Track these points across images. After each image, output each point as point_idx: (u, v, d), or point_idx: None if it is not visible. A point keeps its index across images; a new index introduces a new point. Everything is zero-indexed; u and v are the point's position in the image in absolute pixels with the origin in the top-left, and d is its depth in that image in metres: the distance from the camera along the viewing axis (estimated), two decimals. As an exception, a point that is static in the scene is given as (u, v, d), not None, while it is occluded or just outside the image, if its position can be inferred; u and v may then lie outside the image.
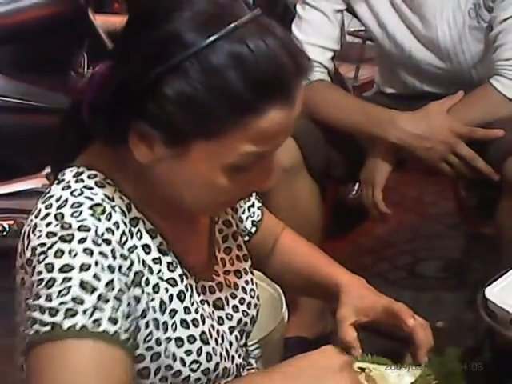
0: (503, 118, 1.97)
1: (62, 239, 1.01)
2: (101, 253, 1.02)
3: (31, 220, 1.07)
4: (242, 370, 1.31)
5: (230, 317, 1.27)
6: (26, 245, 1.06)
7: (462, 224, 3.04)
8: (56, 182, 1.12)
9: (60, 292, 0.99)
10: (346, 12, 2.29)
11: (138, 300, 1.08)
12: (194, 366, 1.15)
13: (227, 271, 1.29)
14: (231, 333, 1.27)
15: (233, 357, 1.26)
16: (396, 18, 2.17)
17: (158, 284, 1.12)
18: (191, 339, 1.15)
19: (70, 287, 0.99)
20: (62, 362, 0.98)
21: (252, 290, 1.33)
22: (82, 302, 0.99)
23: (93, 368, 0.98)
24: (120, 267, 1.04)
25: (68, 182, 1.10)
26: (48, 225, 1.03)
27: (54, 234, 1.02)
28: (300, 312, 2.27)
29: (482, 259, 2.63)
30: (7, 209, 2.60)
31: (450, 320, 2.04)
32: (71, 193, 1.07)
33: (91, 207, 1.05)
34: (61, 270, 0.99)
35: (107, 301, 1.00)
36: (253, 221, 1.43)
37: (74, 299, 0.98)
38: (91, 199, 1.07)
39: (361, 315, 1.32)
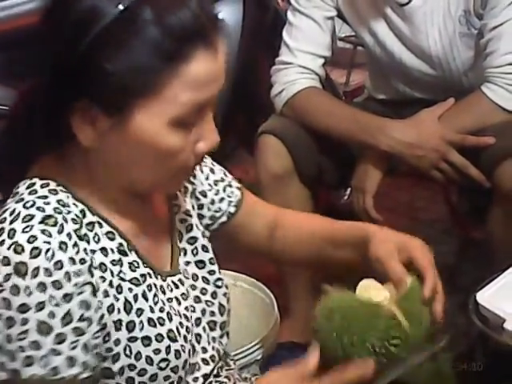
0: (494, 125, 1.98)
1: (17, 272, 1.03)
2: (54, 283, 1.04)
3: None
4: (220, 370, 1.31)
5: (192, 308, 1.27)
6: None
7: (453, 229, 3.04)
8: (11, 196, 1.13)
9: (19, 335, 1.03)
10: (337, 18, 2.30)
11: (98, 307, 1.10)
12: (163, 365, 1.16)
13: (187, 262, 1.30)
14: (198, 325, 1.27)
15: (204, 348, 1.27)
16: (386, 26, 2.17)
17: (120, 285, 1.14)
18: (159, 338, 1.16)
19: (27, 330, 1.03)
20: None
21: (218, 279, 1.32)
22: (39, 347, 1.03)
23: None
24: (76, 289, 1.06)
25: (22, 194, 1.11)
26: (1, 243, 1.05)
27: (8, 262, 1.03)
28: (292, 317, 2.27)
29: (474, 264, 2.64)
30: None
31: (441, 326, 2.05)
32: (24, 205, 1.08)
33: (42, 220, 1.07)
34: (18, 310, 1.03)
35: (64, 339, 1.05)
36: (230, 201, 1.42)
37: (32, 344, 1.03)
38: (43, 210, 1.08)
39: (403, 251, 1.28)
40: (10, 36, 2.73)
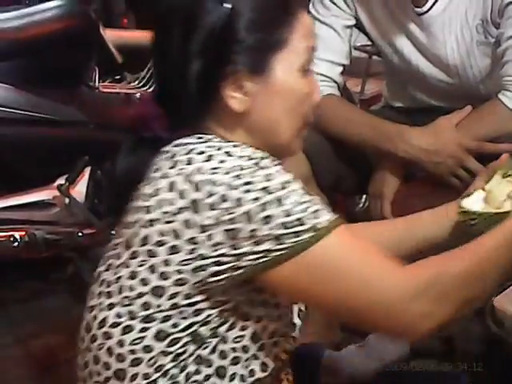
0: (511, 132, 2.00)
1: (259, 166, 1.15)
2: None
3: (181, 169, 1.16)
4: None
5: None
6: (189, 188, 1.14)
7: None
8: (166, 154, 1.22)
9: (294, 203, 1.15)
10: (354, 28, 2.32)
11: None
12: None
13: None
14: None
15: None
16: (404, 35, 2.19)
17: None
18: None
19: (300, 195, 1.16)
20: (344, 248, 1.19)
21: None
22: (314, 203, 1.17)
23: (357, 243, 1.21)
24: None
25: (190, 140, 1.21)
26: (222, 162, 1.14)
27: (247, 166, 1.14)
28: (308, 322, 2.28)
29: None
30: (19, 220, 2.62)
31: (458, 329, 2.06)
32: (208, 146, 1.19)
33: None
34: (282, 188, 1.15)
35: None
36: None
37: (310, 201, 1.17)
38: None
39: None
40: (29, 43, 2.77)
